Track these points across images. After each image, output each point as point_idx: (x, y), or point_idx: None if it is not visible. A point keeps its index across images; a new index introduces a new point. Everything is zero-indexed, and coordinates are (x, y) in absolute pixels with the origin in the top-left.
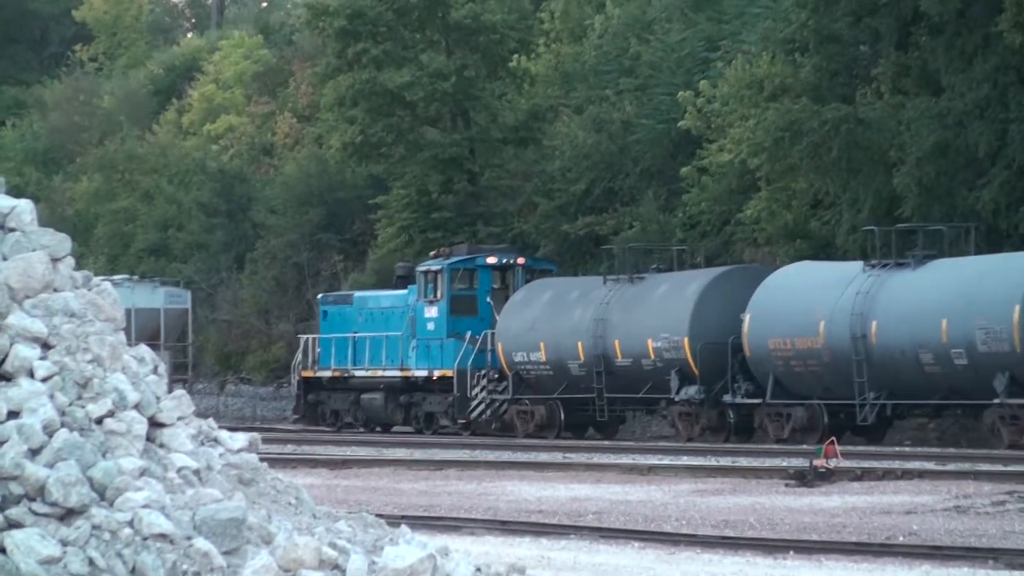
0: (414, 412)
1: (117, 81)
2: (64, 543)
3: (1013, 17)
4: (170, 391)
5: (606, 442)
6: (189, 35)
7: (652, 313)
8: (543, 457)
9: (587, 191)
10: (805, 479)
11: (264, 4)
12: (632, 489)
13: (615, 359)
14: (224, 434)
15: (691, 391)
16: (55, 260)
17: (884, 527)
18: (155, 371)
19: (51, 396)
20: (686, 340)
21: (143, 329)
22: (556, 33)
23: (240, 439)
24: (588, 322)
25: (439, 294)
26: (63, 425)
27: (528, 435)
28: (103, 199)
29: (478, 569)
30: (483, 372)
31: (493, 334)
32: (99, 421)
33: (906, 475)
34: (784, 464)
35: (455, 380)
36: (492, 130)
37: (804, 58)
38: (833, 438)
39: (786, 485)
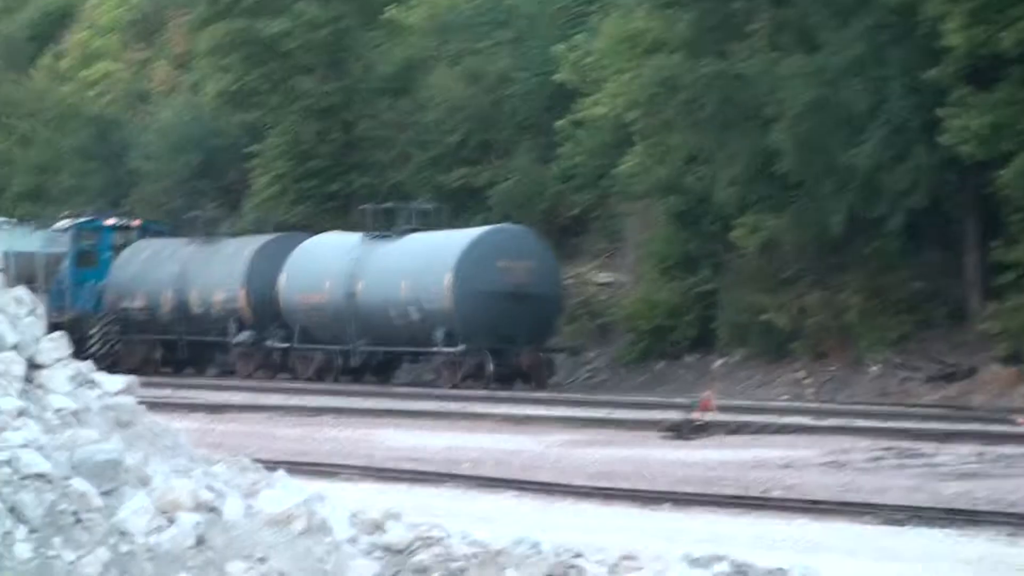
0: None
1: None
2: None
3: None
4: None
5: (480, 392)
6: None
7: (219, 269)
8: (419, 406)
9: (462, 143)
10: (680, 432)
11: None
12: (507, 439)
13: (192, 307)
14: (102, 376)
15: (245, 335)
16: None
17: (760, 481)
18: (33, 313)
19: None
20: (242, 293)
21: (20, 272)
22: None
23: (118, 382)
24: (173, 275)
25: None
26: None
27: (131, 370)
28: None
29: (354, 515)
30: (100, 315)
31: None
32: None
33: (783, 430)
34: (660, 416)
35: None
36: (367, 80)
37: (680, 13)
38: (710, 391)
39: (662, 437)
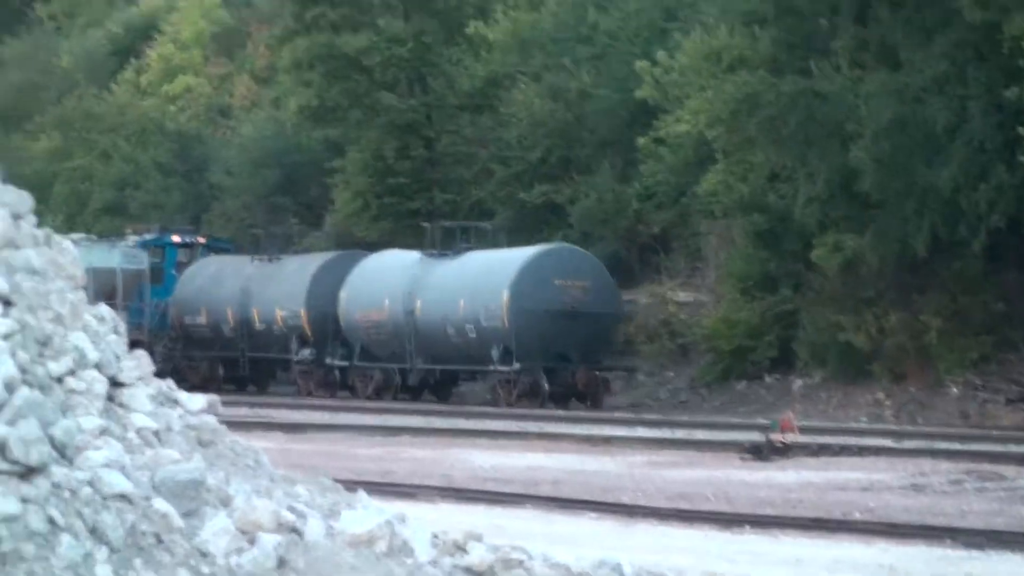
0: None
1: (76, 40)
2: (24, 501)
3: None
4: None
5: (559, 411)
6: None
7: (281, 288)
8: (497, 425)
9: (543, 159)
10: (760, 453)
11: None
12: (587, 459)
13: (255, 324)
14: (183, 395)
15: (306, 353)
16: (17, 217)
17: (840, 503)
18: (115, 331)
19: (12, 353)
20: (303, 311)
21: (100, 289)
22: (514, 0)
23: (199, 401)
24: (236, 293)
25: None
26: (24, 383)
27: (193, 387)
28: (60, 158)
29: (435, 536)
30: (165, 331)
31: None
32: (60, 379)
33: (863, 452)
34: (740, 438)
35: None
36: (449, 96)
37: (763, 30)
38: (791, 412)
39: (742, 459)
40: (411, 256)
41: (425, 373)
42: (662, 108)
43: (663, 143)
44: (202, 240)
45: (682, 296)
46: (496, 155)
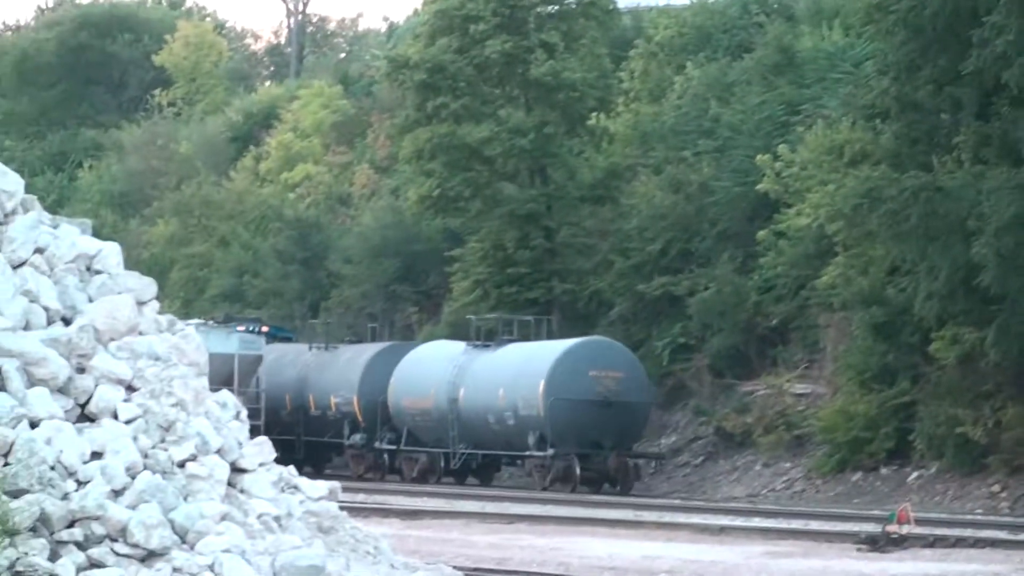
0: None
1: (195, 127)
2: None
3: None
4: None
5: (676, 500)
6: (268, 83)
7: (336, 375)
8: (613, 514)
9: (663, 251)
10: (877, 544)
11: (343, 55)
12: (703, 548)
13: (310, 410)
14: (304, 482)
15: (357, 437)
16: (140, 303)
17: None
18: (237, 417)
19: (135, 438)
20: (356, 398)
21: (216, 374)
22: (636, 93)
23: (320, 487)
24: (293, 380)
25: None
26: (146, 467)
27: None
28: (178, 244)
29: None
30: None
31: None
32: (181, 465)
33: (979, 543)
34: (856, 529)
35: None
36: (569, 187)
37: (885, 125)
38: (908, 503)
39: (858, 550)
40: (456, 347)
41: (467, 457)
42: (783, 201)
43: (783, 236)
44: (265, 329)
45: (799, 388)
46: (616, 246)
